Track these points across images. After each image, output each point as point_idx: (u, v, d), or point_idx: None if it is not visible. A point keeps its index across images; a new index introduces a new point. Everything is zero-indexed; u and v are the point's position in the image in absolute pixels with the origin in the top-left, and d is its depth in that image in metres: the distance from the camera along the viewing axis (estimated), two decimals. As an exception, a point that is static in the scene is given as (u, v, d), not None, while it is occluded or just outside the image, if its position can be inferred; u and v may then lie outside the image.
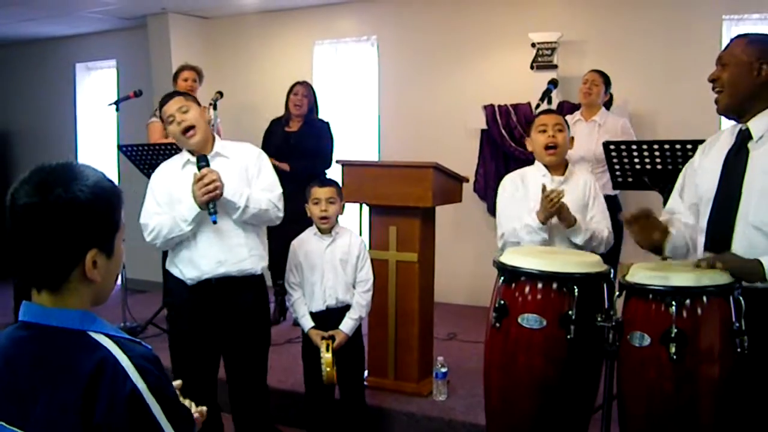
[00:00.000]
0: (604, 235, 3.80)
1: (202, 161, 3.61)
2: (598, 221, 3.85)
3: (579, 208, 3.82)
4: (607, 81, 5.95)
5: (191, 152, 3.76)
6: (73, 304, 1.63)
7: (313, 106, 6.55)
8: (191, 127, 3.67)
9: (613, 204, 5.75)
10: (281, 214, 3.82)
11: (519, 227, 3.77)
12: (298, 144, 6.28)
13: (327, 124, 6.60)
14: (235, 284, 3.74)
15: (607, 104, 6.09)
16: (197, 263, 3.71)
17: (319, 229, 4.10)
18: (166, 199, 3.74)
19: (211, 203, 3.53)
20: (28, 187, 1.59)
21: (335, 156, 6.36)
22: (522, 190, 3.89)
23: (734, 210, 2.80)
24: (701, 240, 2.95)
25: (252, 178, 3.77)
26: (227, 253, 3.70)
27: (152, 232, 3.71)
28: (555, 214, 3.67)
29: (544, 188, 3.62)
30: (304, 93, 6.47)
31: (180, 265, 3.77)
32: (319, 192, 4.04)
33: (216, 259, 3.69)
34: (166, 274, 3.90)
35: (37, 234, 1.58)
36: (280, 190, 3.82)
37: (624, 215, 3.00)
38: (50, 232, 1.58)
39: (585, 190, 3.90)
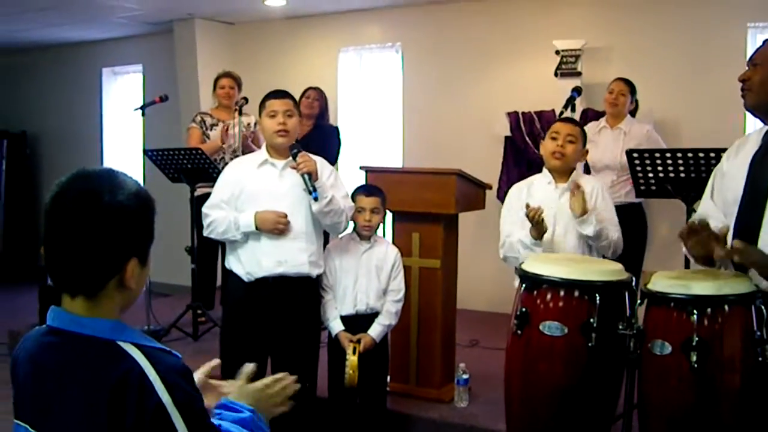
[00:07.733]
0: (612, 237, 3.73)
1: (295, 148, 3.93)
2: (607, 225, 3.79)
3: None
4: (633, 89, 5.90)
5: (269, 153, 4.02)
6: (106, 311, 1.61)
7: (324, 111, 6.68)
8: (286, 132, 3.93)
9: (637, 212, 5.72)
10: (348, 225, 4.04)
11: (515, 241, 3.78)
12: (306, 146, 6.30)
13: (336, 128, 6.75)
14: (291, 283, 3.90)
15: (633, 111, 6.04)
16: (259, 260, 3.87)
17: (359, 235, 4.16)
18: (234, 194, 3.93)
19: (309, 182, 3.79)
20: (74, 193, 1.57)
21: (359, 162, 6.34)
22: (527, 198, 3.85)
23: (761, 212, 2.77)
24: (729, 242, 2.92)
25: (330, 187, 3.94)
26: (288, 255, 3.86)
27: (209, 225, 3.95)
28: (545, 231, 3.65)
29: (527, 206, 3.61)
30: (315, 96, 6.63)
31: (241, 260, 3.93)
32: (365, 201, 4.11)
33: (277, 259, 3.85)
34: (225, 273, 4.10)
35: (83, 240, 1.55)
36: (352, 203, 4.03)
37: (680, 231, 2.86)
38: (97, 239, 1.55)
39: (591, 198, 3.83)
